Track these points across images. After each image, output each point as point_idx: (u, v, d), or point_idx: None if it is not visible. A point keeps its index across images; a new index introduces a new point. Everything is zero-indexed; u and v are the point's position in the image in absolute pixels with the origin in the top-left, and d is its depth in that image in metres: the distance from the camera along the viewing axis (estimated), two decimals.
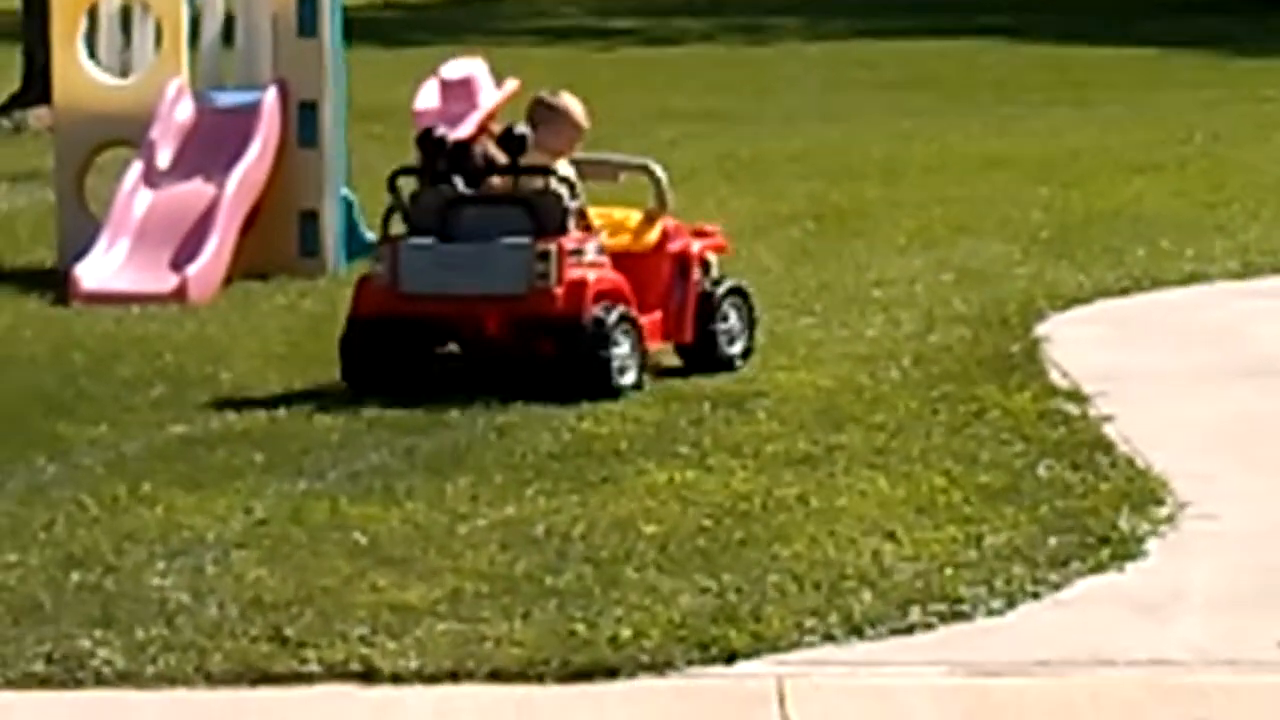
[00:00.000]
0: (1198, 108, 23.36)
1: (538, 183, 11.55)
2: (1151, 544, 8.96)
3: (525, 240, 11.29)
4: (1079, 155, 19.79)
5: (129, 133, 15.11)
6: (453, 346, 12.25)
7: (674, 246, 11.85)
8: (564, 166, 11.76)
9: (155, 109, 15.05)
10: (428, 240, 11.51)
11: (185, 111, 15.03)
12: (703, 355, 11.68)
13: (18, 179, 18.68)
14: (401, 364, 11.46)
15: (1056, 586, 8.48)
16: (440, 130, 11.93)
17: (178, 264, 14.18)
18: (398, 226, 12.61)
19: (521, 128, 11.76)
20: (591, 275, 11.41)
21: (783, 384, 11.60)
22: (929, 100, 24.65)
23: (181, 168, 14.85)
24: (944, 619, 8.09)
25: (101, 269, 14.30)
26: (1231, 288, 14.25)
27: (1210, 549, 8.97)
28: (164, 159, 14.83)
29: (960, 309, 13.48)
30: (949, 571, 8.53)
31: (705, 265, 12.04)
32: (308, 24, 15.01)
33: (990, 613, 8.16)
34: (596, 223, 11.89)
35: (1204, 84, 25.86)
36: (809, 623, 7.94)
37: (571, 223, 11.50)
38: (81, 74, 15.48)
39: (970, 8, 37.31)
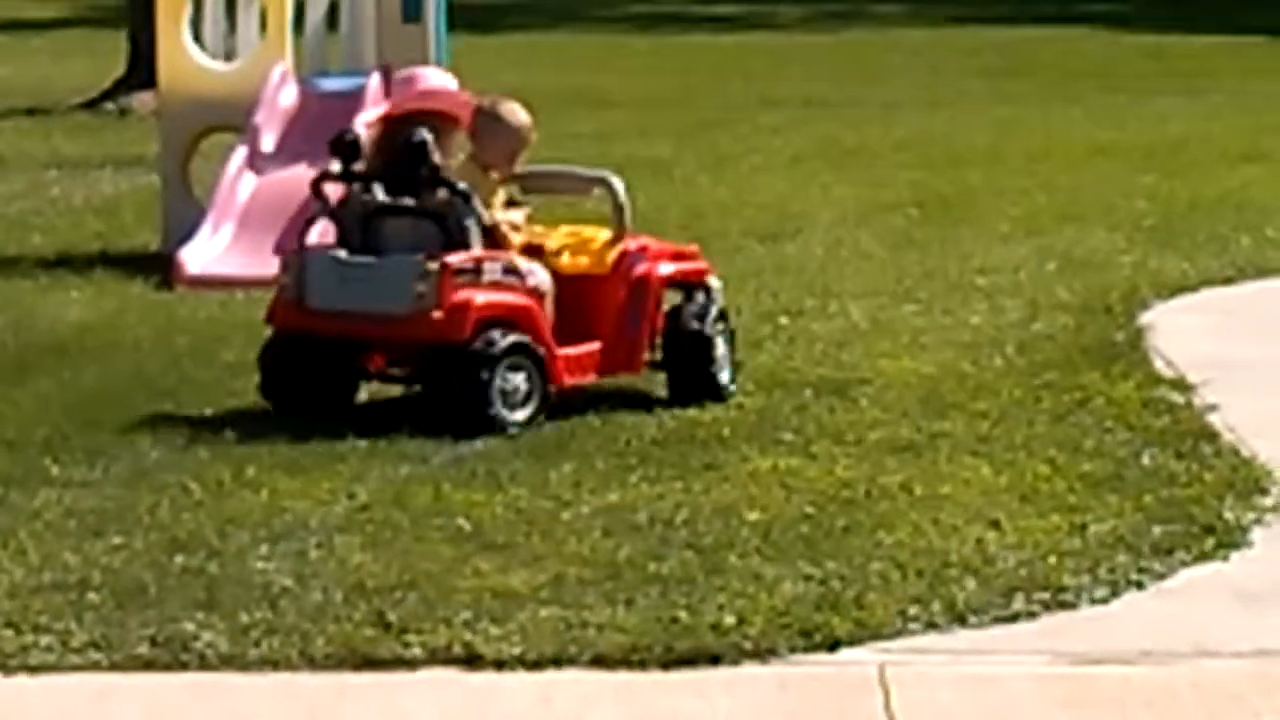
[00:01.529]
0: None
1: (439, 195, 11.12)
2: (1256, 534, 8.99)
3: (415, 257, 10.97)
4: (1184, 143, 19.70)
5: (233, 118, 15.21)
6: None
7: (637, 270, 11.38)
8: (466, 173, 11.10)
9: (260, 94, 15.15)
10: (337, 252, 11.30)
11: (290, 97, 15.12)
12: (688, 378, 11.38)
13: (122, 164, 18.75)
14: (316, 382, 11.26)
15: (1161, 576, 8.51)
16: (354, 132, 11.73)
17: (282, 249, 14.20)
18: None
19: (423, 134, 11.21)
20: (481, 297, 10.90)
21: (885, 371, 11.63)
22: (1031, 88, 24.55)
23: (286, 153, 14.91)
24: (1047, 607, 8.14)
25: (206, 253, 14.40)
26: None
27: None
28: (268, 144, 14.92)
29: (1064, 297, 13.47)
30: (1052, 560, 8.57)
31: (699, 284, 11.72)
32: (412, 9, 15.09)
33: (1094, 601, 8.21)
34: (556, 243, 11.56)
35: None
36: (912, 610, 8.01)
37: (473, 239, 11.09)
38: (186, 58, 15.57)
39: (1006, 6, 37.05)
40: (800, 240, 15.19)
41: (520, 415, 10.72)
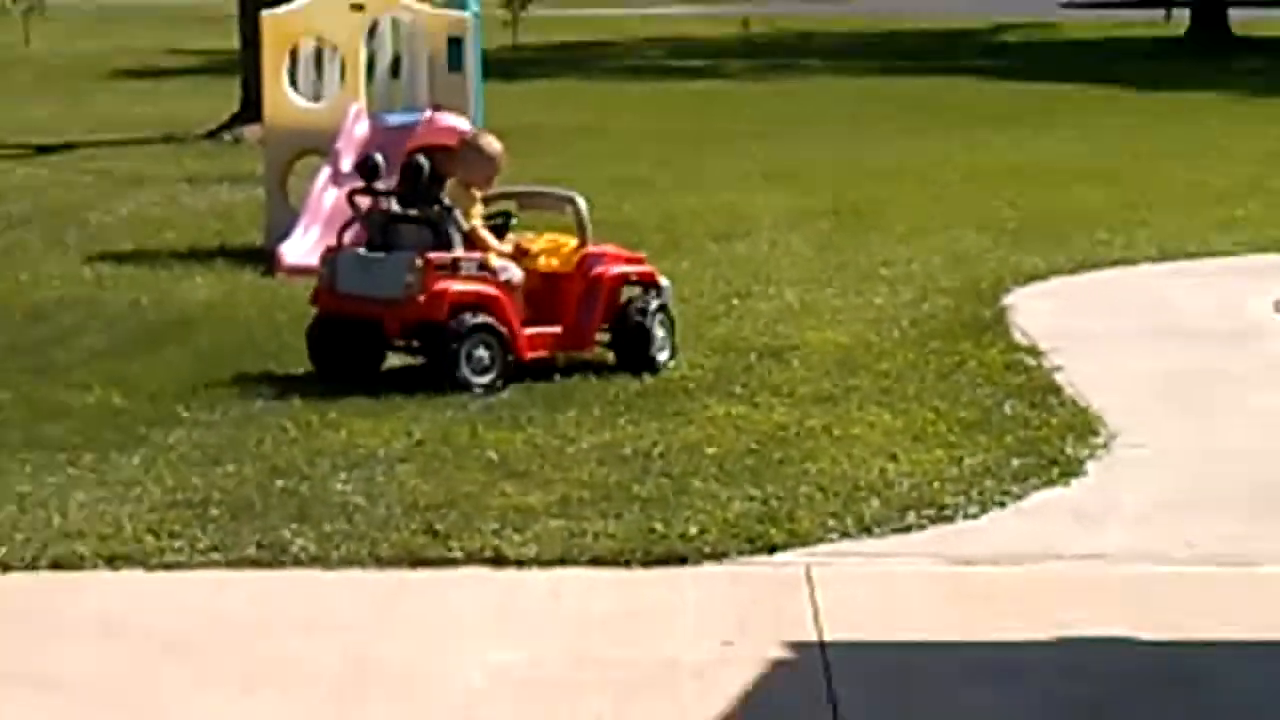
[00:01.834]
0: (1126, 132, 23.24)
1: (431, 208, 11.15)
2: (1090, 466, 9.30)
3: (408, 254, 10.91)
4: (1037, 167, 19.69)
5: (320, 145, 15.19)
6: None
7: (594, 271, 11.24)
8: (454, 191, 11.07)
9: (340, 127, 15.13)
10: (359, 249, 11.36)
11: (362, 129, 15.11)
12: (632, 356, 11.19)
13: (236, 180, 18.73)
14: (349, 353, 11.19)
15: (1018, 498, 8.86)
16: (374, 157, 11.73)
17: (325, 254, 14.30)
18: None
19: (418, 159, 11.29)
20: (455, 287, 10.83)
21: (811, 340, 11.71)
22: (923, 125, 24.45)
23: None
24: (933, 521, 8.48)
25: (299, 249, 14.39)
26: (1151, 269, 14.24)
27: (1135, 470, 9.25)
28: (346, 165, 14.89)
29: (946, 284, 13.51)
30: (936, 485, 8.90)
31: (647, 283, 11.55)
32: (455, 62, 15.11)
33: (967, 517, 8.55)
34: (537, 248, 11.45)
35: (1131, 112, 25.70)
36: (830, 523, 8.34)
37: (455, 241, 11.01)
38: (284, 99, 15.55)
39: (952, 53, 37.06)
40: (748, 240, 15.24)
41: (484, 379, 10.69)
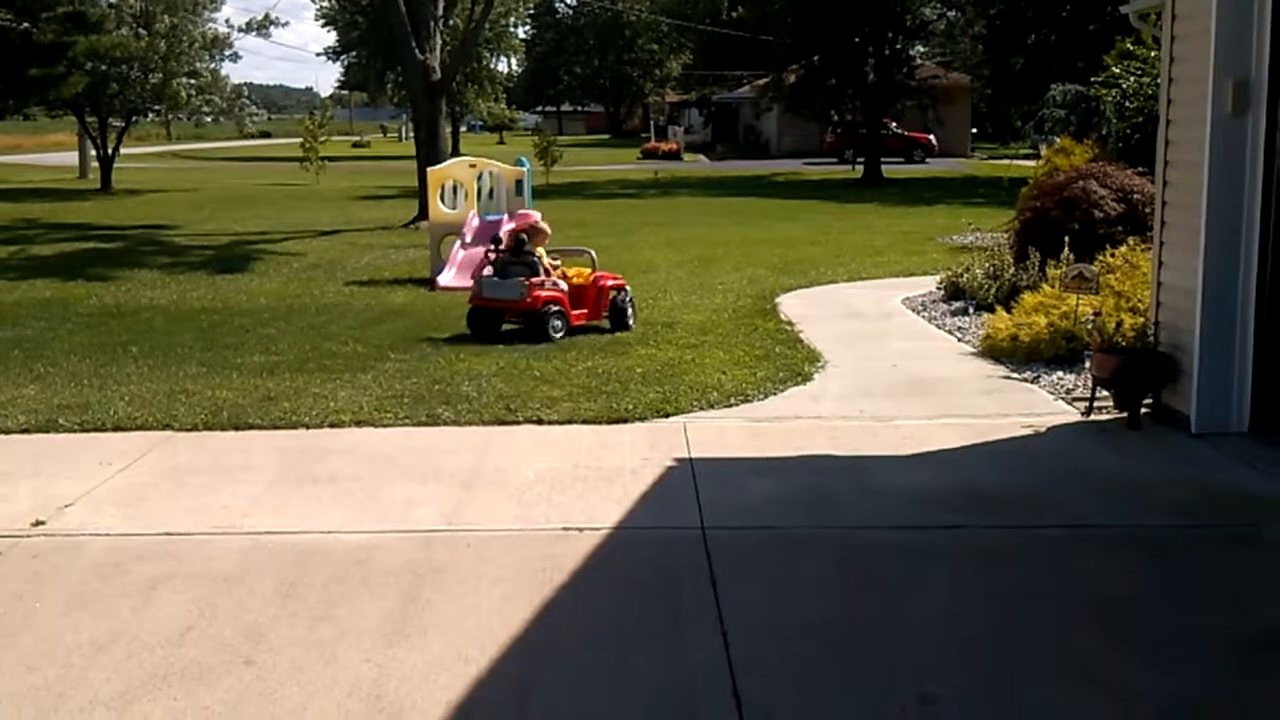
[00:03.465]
0: (831, 222, 23.06)
1: (529, 257, 11.20)
2: (816, 376, 9.10)
3: (521, 278, 10.64)
4: (789, 239, 19.45)
5: (455, 230, 15.04)
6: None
7: (600, 283, 11.00)
8: (536, 247, 11.45)
9: (465, 221, 15.01)
10: (492, 277, 11.02)
11: (475, 222, 14.95)
12: (618, 324, 10.98)
13: (416, 246, 18.50)
14: (490, 327, 10.88)
15: (783, 389, 8.67)
16: (500, 235, 11.69)
17: (474, 276, 14.10)
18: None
19: (522, 236, 11.18)
20: (542, 293, 10.62)
21: (686, 319, 11.49)
22: (736, 218, 24.15)
23: (475, 241, 14.70)
24: (744, 402, 8.31)
25: (446, 278, 14.21)
26: (843, 285, 14.06)
27: (836, 378, 9.09)
28: (468, 238, 14.76)
29: (749, 292, 13.28)
30: (745, 386, 8.71)
31: (622, 289, 11.23)
32: (519, 192, 15.12)
33: (759, 400, 8.38)
34: (571, 273, 11.25)
35: (834, 213, 25.50)
36: (695, 403, 8.21)
37: (541, 272, 10.79)
38: (438, 209, 15.42)
39: (751, 186, 36.78)
40: (655, 273, 15.01)
41: (558, 335, 10.43)
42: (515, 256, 11.17)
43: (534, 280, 10.80)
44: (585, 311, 11.12)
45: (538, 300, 10.75)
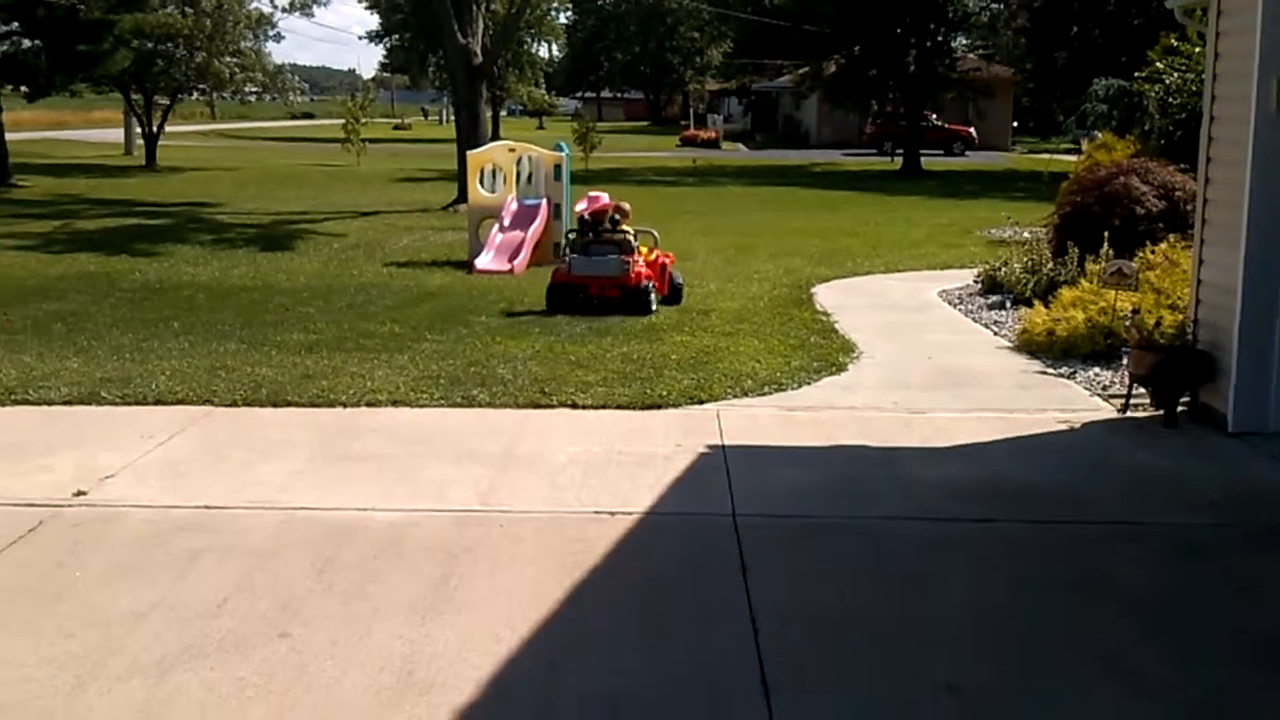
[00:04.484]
0: (869, 214, 22.93)
1: (618, 235, 11.50)
2: (850, 367, 9.09)
3: (618, 255, 11.12)
4: (827, 229, 19.42)
5: (493, 213, 15.05)
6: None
7: (662, 260, 11.55)
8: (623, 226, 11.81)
9: (504, 205, 15.03)
10: (582, 255, 11.36)
11: (513, 206, 14.96)
12: (674, 299, 11.43)
13: (455, 229, 18.57)
14: (570, 301, 11.22)
15: (817, 379, 8.67)
16: (584, 215, 11.93)
17: (511, 259, 14.13)
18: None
19: (616, 215, 11.67)
20: (641, 270, 11.11)
21: (722, 306, 11.47)
22: (777, 208, 24.11)
23: (513, 225, 14.75)
24: (778, 390, 8.29)
25: (484, 260, 14.23)
26: (880, 276, 14.02)
27: (869, 368, 9.07)
28: (506, 222, 14.79)
29: (785, 282, 13.24)
30: (779, 375, 8.70)
31: (667, 268, 11.81)
32: (557, 176, 15.09)
33: (793, 389, 8.36)
34: (646, 251, 11.64)
35: (872, 205, 25.34)
36: (729, 391, 8.21)
37: (633, 250, 11.27)
38: (477, 192, 15.43)
39: (789, 175, 36.71)
40: (694, 260, 14.98)
41: (653, 307, 11.03)
42: (598, 236, 11.55)
43: (631, 259, 11.22)
44: (658, 286, 11.43)
45: (639, 277, 11.17)
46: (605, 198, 12.50)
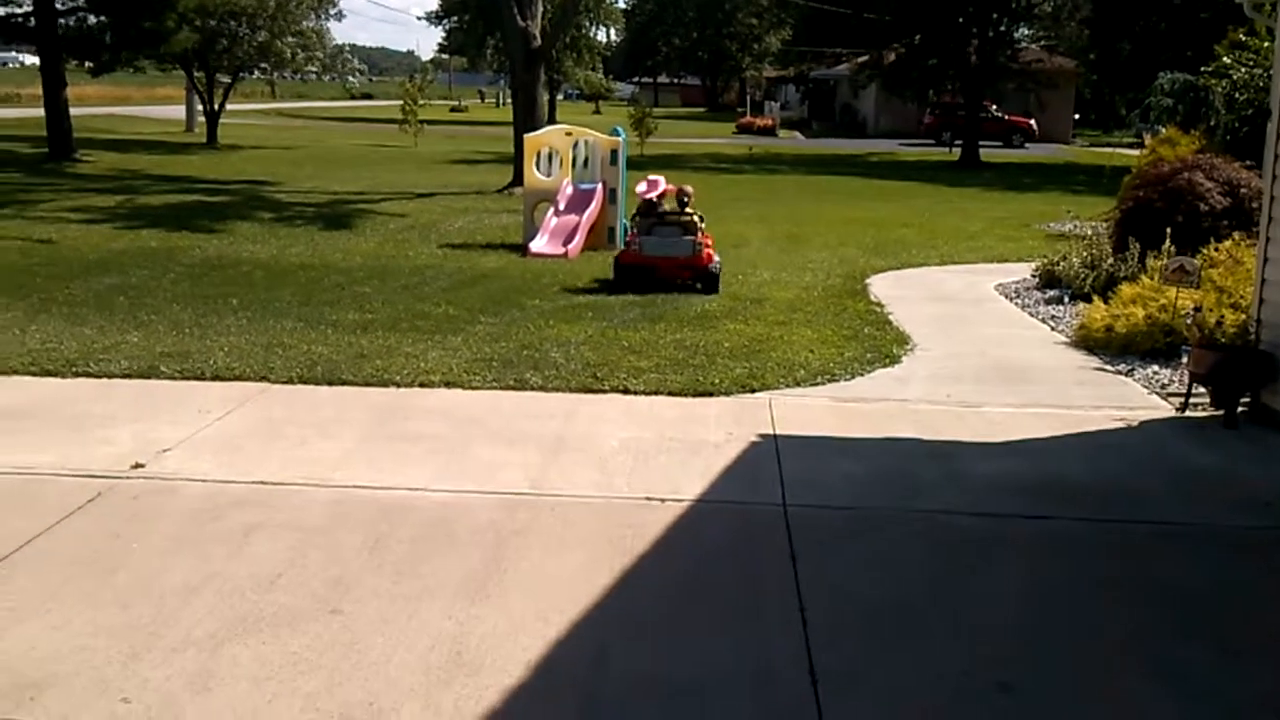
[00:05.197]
0: (925, 204, 22.74)
1: (684, 217, 11.77)
2: (904, 358, 9.08)
3: (689, 237, 11.53)
4: (883, 219, 19.25)
5: (549, 197, 15.07)
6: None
7: (708, 243, 11.69)
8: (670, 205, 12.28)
9: (559, 189, 15.04)
10: (651, 238, 11.58)
11: (568, 190, 14.98)
12: (709, 286, 11.53)
13: (510, 212, 18.60)
14: (636, 280, 11.43)
15: (870, 370, 8.65)
16: (648, 197, 12.28)
17: (565, 242, 14.15)
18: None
19: (684, 198, 12.11)
20: (707, 250, 11.52)
21: (775, 295, 11.42)
22: (832, 197, 23.98)
23: (568, 209, 14.78)
24: (831, 381, 8.29)
25: (538, 244, 14.26)
26: (935, 268, 13.92)
27: (924, 361, 9.03)
28: (561, 206, 14.81)
29: (839, 272, 13.18)
30: (831, 365, 8.70)
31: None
32: (613, 161, 14.96)
33: (845, 380, 8.35)
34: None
35: (929, 195, 25.13)
36: (781, 380, 8.19)
37: (700, 231, 11.62)
38: (533, 175, 15.45)
39: (845, 164, 36.47)
40: (748, 248, 14.96)
41: (718, 285, 11.56)
42: (661, 218, 11.92)
43: (701, 240, 11.68)
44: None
45: (710, 258, 11.66)
46: (663, 181, 12.63)
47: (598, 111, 71.87)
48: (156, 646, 4.11)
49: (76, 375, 7.81)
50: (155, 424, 6.70)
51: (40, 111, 29.91)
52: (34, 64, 37.49)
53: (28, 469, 5.88)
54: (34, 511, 5.30)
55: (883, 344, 9.34)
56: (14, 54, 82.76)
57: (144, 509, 5.40)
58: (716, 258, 11.95)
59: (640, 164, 24.84)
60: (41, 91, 28.85)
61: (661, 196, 12.32)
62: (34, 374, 7.84)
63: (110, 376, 7.81)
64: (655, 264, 11.59)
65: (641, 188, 12.54)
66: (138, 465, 5.97)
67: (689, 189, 12.51)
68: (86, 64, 30.83)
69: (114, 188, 21.89)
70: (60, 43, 28.64)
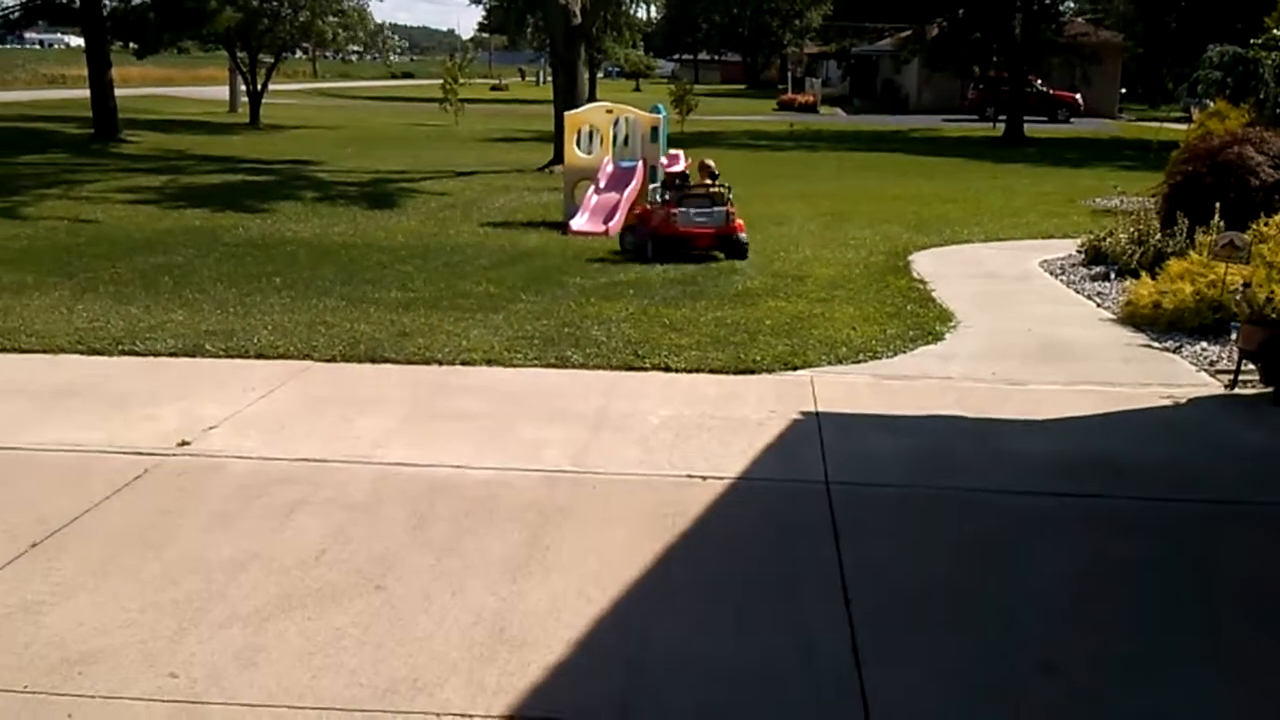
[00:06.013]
0: (969, 180, 22.51)
1: (715, 189, 12.32)
2: (948, 336, 8.98)
3: (720, 207, 12.06)
4: (927, 195, 19.08)
5: (589, 175, 15.06)
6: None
7: (737, 218, 12.19)
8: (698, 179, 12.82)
9: (600, 167, 15.03)
10: (686, 210, 12.04)
11: (609, 168, 14.97)
12: (738, 253, 12.08)
13: (550, 190, 18.60)
14: (671, 251, 11.85)
15: (913, 348, 8.57)
16: (675, 170, 12.90)
17: (606, 221, 14.14)
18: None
19: (712, 169, 12.78)
20: (738, 221, 12.12)
21: (816, 272, 11.37)
22: (874, 174, 23.79)
23: (608, 187, 14.78)
24: (872, 358, 8.23)
25: (579, 222, 14.28)
26: (979, 245, 13.75)
27: (968, 338, 8.93)
28: (602, 184, 14.81)
29: (881, 249, 13.08)
30: (874, 343, 8.63)
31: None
32: (654, 139, 14.90)
33: (887, 357, 8.29)
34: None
35: (973, 171, 24.88)
36: (822, 358, 8.15)
37: (729, 202, 12.17)
38: (573, 154, 15.43)
39: (887, 141, 36.16)
40: (789, 225, 14.90)
41: (747, 250, 12.12)
42: (691, 191, 12.35)
43: (731, 211, 12.12)
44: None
45: (740, 227, 12.18)
46: (683, 155, 13.10)
47: (638, 89, 71.69)
48: (203, 622, 4.15)
49: (123, 354, 7.89)
50: (200, 402, 6.76)
51: (85, 93, 30.23)
52: (79, 45, 37.94)
53: (76, 446, 5.94)
54: (82, 488, 5.37)
55: (925, 321, 9.25)
56: (60, 36, 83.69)
57: (190, 486, 5.46)
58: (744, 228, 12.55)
59: (681, 141, 24.74)
60: (87, 73, 29.17)
61: (685, 170, 12.61)
62: (81, 353, 7.90)
63: (156, 355, 7.88)
64: (691, 235, 12.00)
65: (663, 162, 12.84)
66: (184, 443, 6.03)
67: (710, 162, 13.02)
68: (131, 45, 31.15)
69: (159, 168, 22.09)
70: (105, 24, 29.01)
